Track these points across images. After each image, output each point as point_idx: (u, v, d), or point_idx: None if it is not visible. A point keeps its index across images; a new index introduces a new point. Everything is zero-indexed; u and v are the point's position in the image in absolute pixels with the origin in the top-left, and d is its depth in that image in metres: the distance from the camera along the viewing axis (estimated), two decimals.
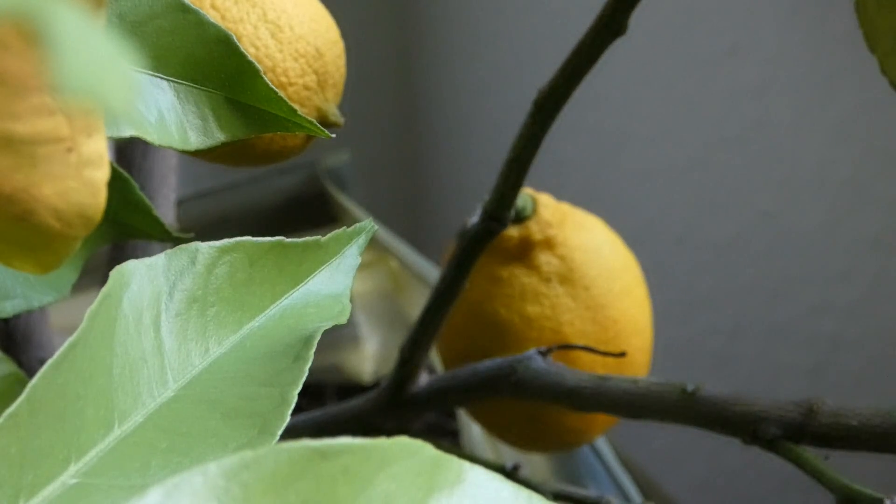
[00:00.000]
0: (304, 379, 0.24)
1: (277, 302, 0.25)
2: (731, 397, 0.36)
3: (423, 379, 0.44)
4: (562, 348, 0.42)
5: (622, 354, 0.43)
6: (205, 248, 0.25)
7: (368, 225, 0.27)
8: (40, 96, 0.18)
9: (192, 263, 0.25)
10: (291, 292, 0.26)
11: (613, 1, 0.33)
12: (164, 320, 0.24)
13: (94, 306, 0.23)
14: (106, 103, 0.11)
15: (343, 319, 0.26)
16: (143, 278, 0.24)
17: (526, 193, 0.47)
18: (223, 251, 0.25)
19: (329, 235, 0.27)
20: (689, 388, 0.36)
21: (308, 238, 0.27)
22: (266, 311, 0.25)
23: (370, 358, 0.71)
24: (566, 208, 0.48)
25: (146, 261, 0.24)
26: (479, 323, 0.46)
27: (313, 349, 0.24)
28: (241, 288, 0.25)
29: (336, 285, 0.26)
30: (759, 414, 0.35)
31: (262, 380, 0.24)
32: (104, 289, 0.23)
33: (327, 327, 0.25)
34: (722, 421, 0.36)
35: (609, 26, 0.33)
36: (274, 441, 0.23)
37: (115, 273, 0.23)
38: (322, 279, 0.26)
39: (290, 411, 0.23)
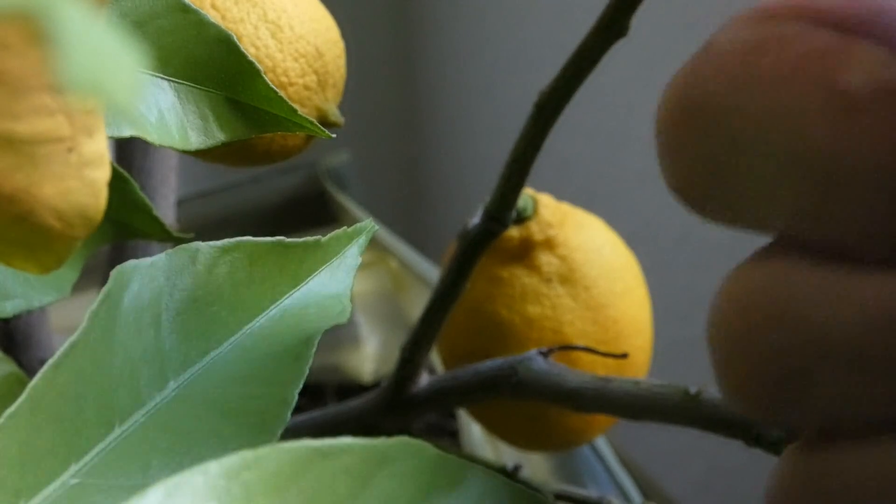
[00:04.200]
0: (304, 379, 0.24)
1: (278, 302, 0.25)
2: None
3: (424, 379, 0.44)
4: (563, 349, 0.42)
5: (624, 356, 0.43)
6: (205, 247, 0.25)
7: (369, 225, 0.27)
8: (41, 96, 0.18)
9: (193, 263, 0.25)
10: (292, 292, 0.26)
11: (615, 2, 0.33)
12: (165, 320, 0.24)
13: (94, 306, 0.22)
14: (110, 100, 0.11)
15: (344, 319, 0.25)
16: (143, 278, 0.24)
17: (527, 194, 0.47)
18: (223, 251, 0.25)
19: (330, 235, 0.27)
20: (692, 390, 0.36)
21: (308, 238, 0.27)
22: (266, 311, 0.25)
23: (370, 358, 0.71)
24: (567, 208, 0.48)
25: (146, 260, 0.24)
26: (479, 323, 0.46)
27: (314, 349, 0.24)
28: (241, 288, 0.25)
29: (337, 285, 0.26)
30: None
31: (262, 380, 0.24)
32: (104, 288, 0.23)
33: (328, 327, 0.25)
34: (725, 423, 0.35)
35: (611, 27, 0.33)
36: (274, 441, 0.23)
37: (116, 273, 0.23)
38: (323, 279, 0.26)
39: (290, 411, 0.23)
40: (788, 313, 0.16)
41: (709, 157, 0.16)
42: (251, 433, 0.23)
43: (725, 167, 0.16)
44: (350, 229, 0.27)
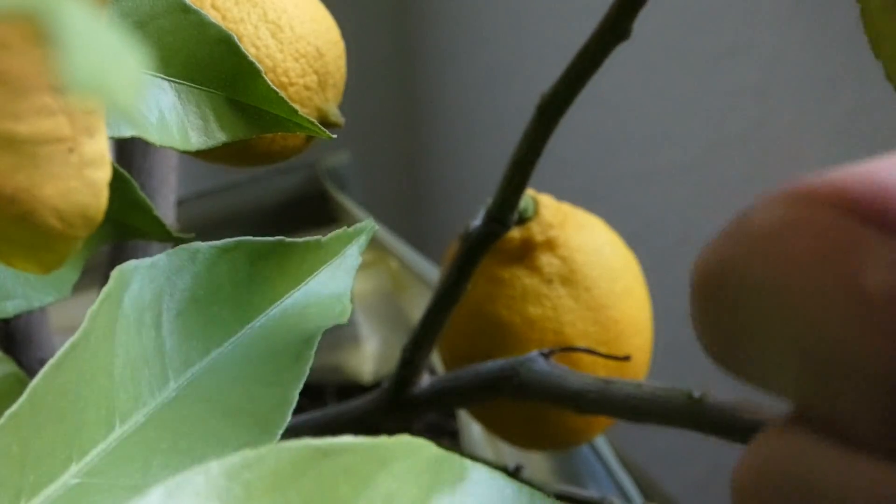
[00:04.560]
0: (304, 379, 0.24)
1: (278, 302, 0.25)
2: (737, 404, 0.35)
3: (425, 380, 0.44)
4: (564, 350, 0.42)
5: (626, 358, 0.43)
6: (205, 247, 0.25)
7: (369, 225, 0.27)
8: (42, 96, 0.18)
9: (193, 263, 0.25)
10: (292, 292, 0.26)
11: (618, 5, 0.33)
12: (165, 320, 0.24)
13: (94, 306, 0.22)
14: (112, 100, 0.11)
15: (344, 319, 0.25)
16: (143, 278, 0.24)
17: (528, 195, 0.47)
18: (224, 251, 0.25)
19: (330, 235, 0.27)
20: (696, 393, 0.36)
21: (309, 238, 0.27)
22: (267, 311, 0.25)
23: (370, 358, 0.71)
24: (567, 209, 0.48)
25: (147, 260, 0.24)
26: (480, 324, 0.46)
27: (314, 349, 0.24)
28: (241, 287, 0.25)
29: (337, 285, 0.26)
30: (766, 420, 0.34)
31: (263, 380, 0.24)
32: (105, 289, 0.23)
33: (328, 327, 0.25)
34: (728, 427, 0.35)
35: (613, 30, 0.33)
36: (275, 441, 0.23)
37: (116, 273, 0.23)
38: (323, 279, 0.26)
39: (291, 411, 0.23)
40: (799, 492, 0.17)
41: (734, 328, 0.18)
42: (252, 433, 0.23)
43: (749, 340, 0.17)
44: (350, 229, 0.27)
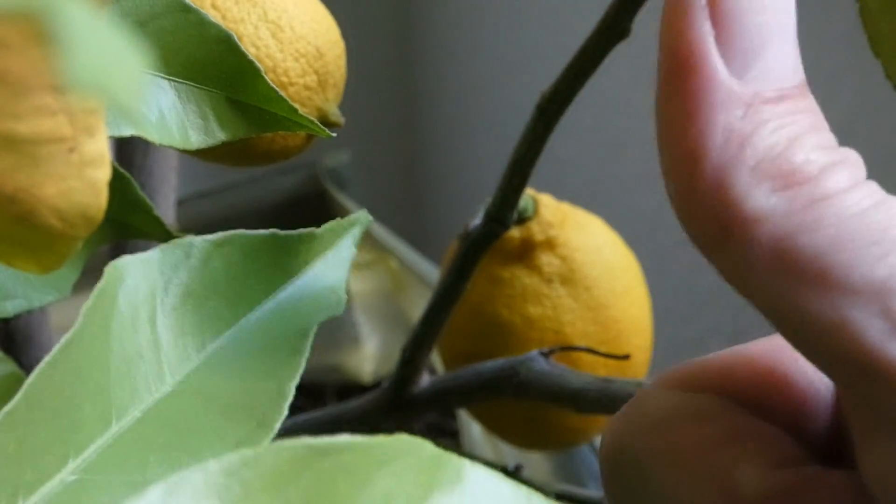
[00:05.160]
0: (301, 372, 0.24)
1: (273, 294, 0.25)
2: None
3: (425, 380, 0.44)
4: (564, 350, 0.42)
5: (626, 357, 0.43)
6: (199, 241, 0.25)
7: (363, 216, 0.27)
8: (42, 96, 0.18)
9: (187, 257, 0.25)
10: (287, 285, 0.26)
11: (617, 4, 0.33)
12: (160, 315, 0.24)
13: (89, 302, 0.22)
14: (114, 100, 0.11)
15: (339, 311, 0.25)
16: (137, 273, 0.24)
17: (527, 194, 0.47)
18: (218, 245, 0.25)
19: (324, 227, 0.27)
20: None
21: (303, 230, 0.27)
22: (262, 304, 0.25)
23: (370, 358, 0.71)
24: (567, 208, 0.48)
25: (141, 256, 0.24)
26: (480, 323, 0.46)
27: (310, 341, 0.24)
28: (236, 281, 0.25)
29: (332, 277, 0.26)
30: None
31: (259, 373, 0.24)
32: (99, 285, 0.23)
33: (324, 319, 0.25)
34: None
35: (613, 29, 0.33)
36: (272, 435, 0.23)
37: (110, 269, 0.23)
38: (318, 271, 0.26)
39: (287, 404, 0.23)
40: None
41: (631, 492, 0.20)
42: (249, 427, 0.23)
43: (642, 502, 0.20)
44: (344, 220, 0.27)
